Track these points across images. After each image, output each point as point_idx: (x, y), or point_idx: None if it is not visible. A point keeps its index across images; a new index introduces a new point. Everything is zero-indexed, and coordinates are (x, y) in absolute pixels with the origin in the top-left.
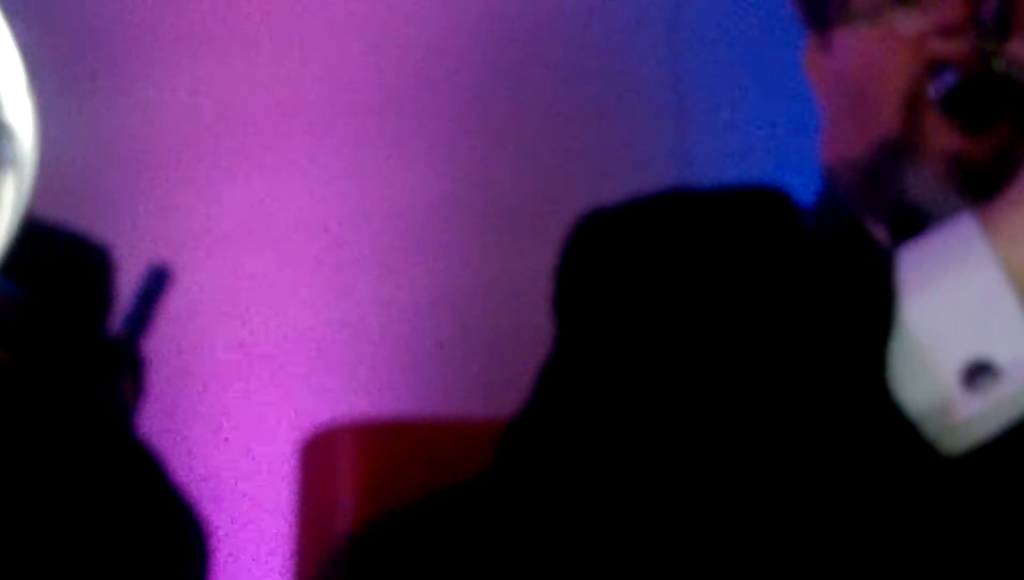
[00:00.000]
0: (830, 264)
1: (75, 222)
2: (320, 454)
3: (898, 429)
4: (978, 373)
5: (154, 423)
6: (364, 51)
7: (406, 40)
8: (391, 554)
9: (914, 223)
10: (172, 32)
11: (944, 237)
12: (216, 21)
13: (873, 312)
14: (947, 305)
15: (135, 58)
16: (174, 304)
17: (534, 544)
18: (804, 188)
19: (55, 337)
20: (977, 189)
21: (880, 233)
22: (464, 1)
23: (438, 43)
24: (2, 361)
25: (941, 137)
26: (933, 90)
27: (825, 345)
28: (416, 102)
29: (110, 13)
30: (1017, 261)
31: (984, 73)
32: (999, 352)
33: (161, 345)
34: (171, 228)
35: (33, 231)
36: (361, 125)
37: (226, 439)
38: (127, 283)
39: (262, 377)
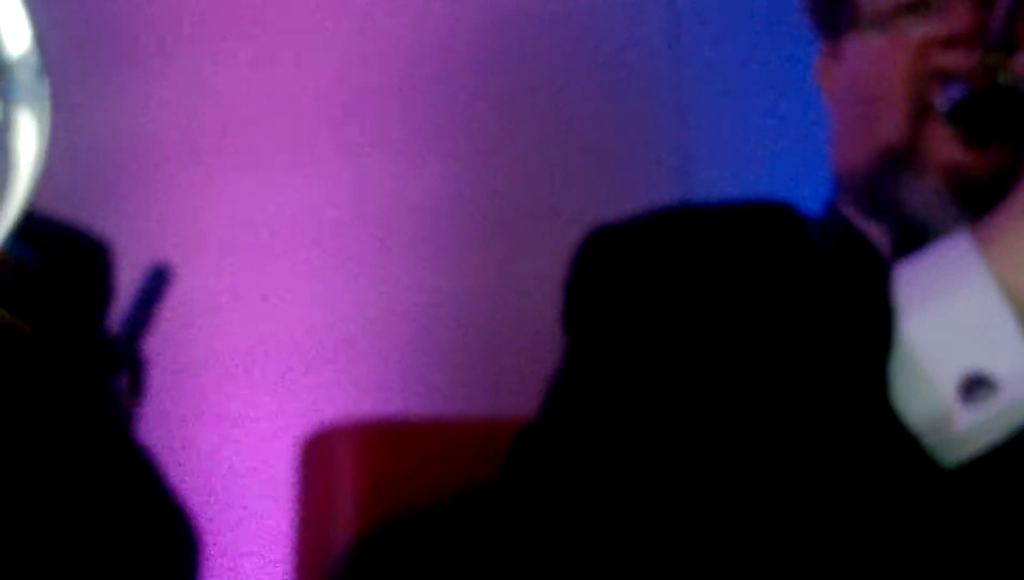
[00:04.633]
0: (832, 277)
1: (75, 221)
2: (320, 454)
3: (899, 441)
4: (976, 386)
5: (154, 423)
6: (364, 51)
7: (405, 40)
8: (393, 562)
9: (915, 233)
10: (172, 32)
11: (940, 254)
12: (216, 21)
13: (873, 329)
14: (944, 321)
15: (135, 58)
16: (174, 304)
17: (538, 559)
18: (804, 190)
19: (65, 310)
20: (975, 202)
21: (883, 242)
22: (464, 1)
23: (437, 43)
24: (18, 329)
25: (944, 148)
26: (940, 102)
27: (828, 362)
28: (416, 102)
29: (110, 13)
30: (1011, 276)
31: (990, 87)
32: (996, 365)
33: (161, 345)
34: (171, 228)
35: (33, 230)
36: (361, 125)
37: (226, 439)
38: (127, 283)
39: (262, 377)
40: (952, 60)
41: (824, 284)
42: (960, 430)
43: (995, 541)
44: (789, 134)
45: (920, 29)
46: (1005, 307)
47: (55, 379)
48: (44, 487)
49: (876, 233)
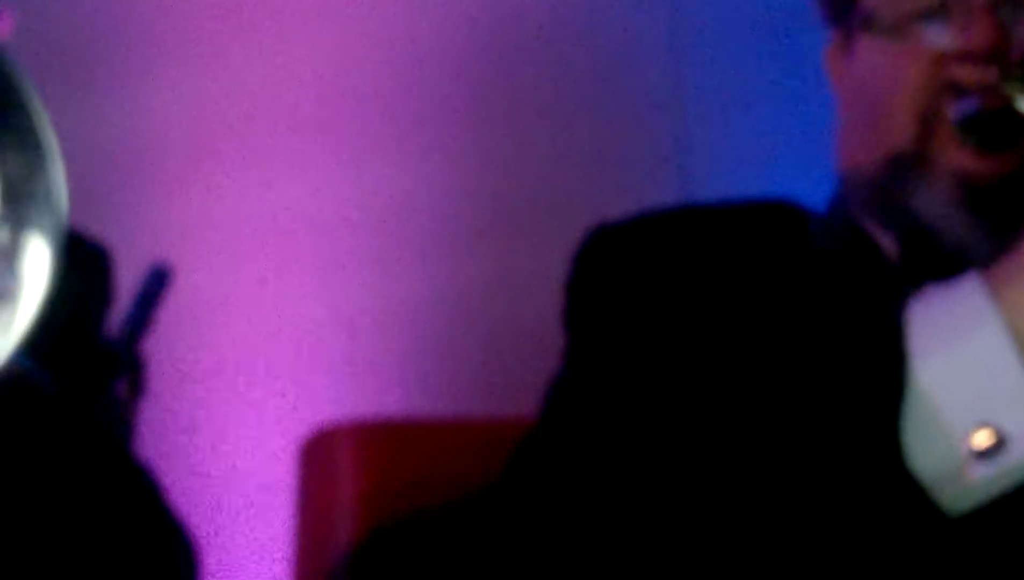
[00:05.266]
0: (838, 282)
1: (75, 222)
2: (320, 454)
3: (906, 489)
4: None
5: (153, 423)
6: (364, 51)
7: (405, 40)
8: (394, 563)
9: (922, 236)
10: (171, 33)
11: (953, 296)
12: (215, 22)
13: (886, 371)
14: (957, 370)
15: (135, 58)
16: (174, 304)
17: (537, 560)
18: (804, 190)
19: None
20: (982, 209)
21: (888, 243)
22: (464, 1)
23: (438, 43)
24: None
25: (952, 154)
26: (953, 112)
27: (837, 396)
28: (416, 102)
29: (109, 14)
30: (1021, 327)
31: (1004, 108)
32: (1006, 421)
33: (161, 345)
34: (171, 228)
35: None
36: (361, 125)
37: (226, 439)
38: (127, 283)
39: (262, 377)
40: (967, 74)
41: (829, 290)
42: (969, 482)
43: None
44: (789, 134)
45: (937, 39)
46: (1016, 361)
47: (53, 397)
48: (41, 502)
49: (882, 234)
